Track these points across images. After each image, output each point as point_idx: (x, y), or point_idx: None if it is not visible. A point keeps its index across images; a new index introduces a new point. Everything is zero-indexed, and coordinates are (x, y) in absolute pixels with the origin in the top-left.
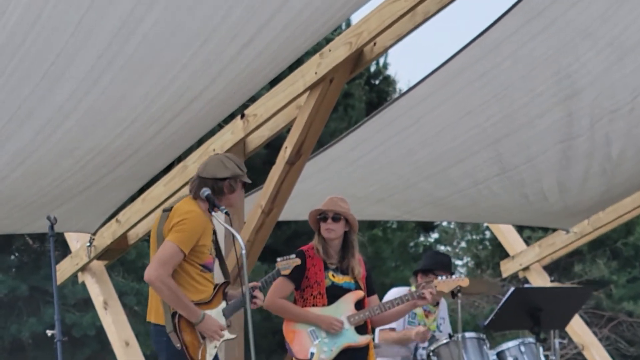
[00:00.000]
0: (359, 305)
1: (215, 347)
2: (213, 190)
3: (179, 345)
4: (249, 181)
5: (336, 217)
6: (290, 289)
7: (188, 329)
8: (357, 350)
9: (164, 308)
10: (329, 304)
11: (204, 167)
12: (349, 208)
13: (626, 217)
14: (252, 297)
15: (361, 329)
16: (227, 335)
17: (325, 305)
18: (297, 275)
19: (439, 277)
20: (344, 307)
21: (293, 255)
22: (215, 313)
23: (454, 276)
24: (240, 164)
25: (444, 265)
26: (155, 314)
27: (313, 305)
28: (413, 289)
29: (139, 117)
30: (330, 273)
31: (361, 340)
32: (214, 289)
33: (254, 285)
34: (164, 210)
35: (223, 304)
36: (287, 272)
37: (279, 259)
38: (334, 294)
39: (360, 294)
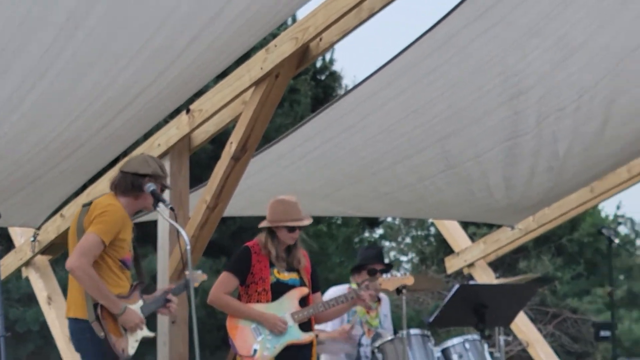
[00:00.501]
0: (303, 302)
1: (137, 340)
2: (132, 186)
3: (102, 333)
4: (168, 185)
5: (296, 227)
6: (235, 284)
7: (110, 320)
8: (300, 347)
9: (85, 299)
10: (273, 300)
11: (127, 162)
12: None
13: (571, 213)
14: (167, 300)
15: (305, 326)
16: (146, 332)
17: (269, 302)
18: (243, 271)
19: (384, 275)
20: (288, 304)
21: (200, 271)
22: (135, 308)
23: (398, 274)
24: (162, 167)
25: (374, 258)
26: (74, 308)
27: (257, 302)
28: (354, 286)
29: (85, 111)
30: (276, 270)
31: (305, 337)
32: (131, 287)
33: (168, 289)
34: (84, 205)
35: (140, 302)
36: (196, 284)
37: (186, 272)
38: (279, 290)
39: (304, 290)
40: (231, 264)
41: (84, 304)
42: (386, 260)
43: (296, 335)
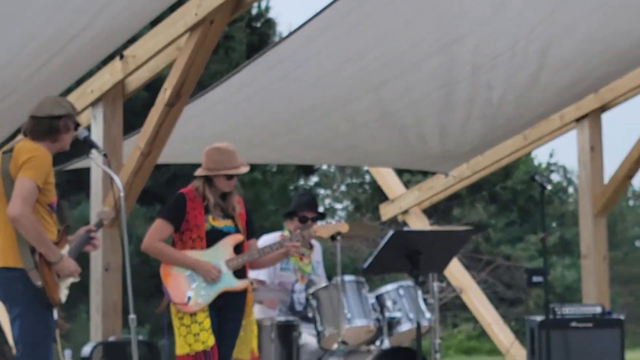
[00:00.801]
0: (238, 249)
1: (67, 287)
2: (50, 129)
3: (40, 283)
4: (81, 123)
5: (233, 175)
6: (169, 231)
7: (46, 269)
8: (234, 294)
9: (20, 248)
10: (207, 247)
11: (38, 107)
12: None
13: (504, 161)
14: (90, 238)
15: (239, 273)
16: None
17: (204, 249)
18: (177, 218)
19: (319, 222)
20: (223, 251)
21: (108, 209)
22: (65, 253)
23: (333, 221)
24: (73, 104)
25: (306, 205)
26: (4, 257)
27: (192, 249)
28: (286, 233)
29: (15, 57)
30: (210, 217)
31: (239, 284)
32: (58, 232)
33: (88, 228)
34: (4, 153)
35: (67, 247)
36: (106, 222)
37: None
38: (214, 237)
39: (239, 237)
40: (165, 211)
41: (16, 253)
42: (320, 209)
43: (230, 283)
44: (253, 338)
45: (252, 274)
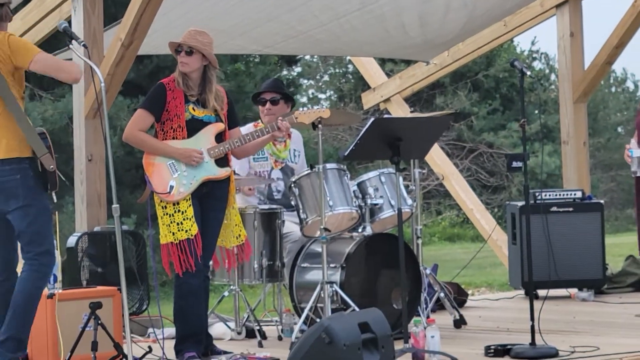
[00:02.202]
0: (220, 138)
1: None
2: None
3: (52, 166)
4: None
5: (189, 51)
6: (150, 121)
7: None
8: (217, 183)
9: (28, 137)
10: (189, 137)
11: None
12: (210, 42)
13: (485, 48)
14: None
15: (222, 162)
16: None
17: (185, 139)
18: (157, 108)
19: (301, 109)
20: (204, 140)
21: None
22: None
23: (315, 107)
24: None
25: (272, 86)
26: (6, 149)
27: (173, 139)
28: (260, 123)
29: None
30: (191, 106)
31: (221, 172)
32: None
33: None
34: None
35: None
36: None
37: None
38: (194, 127)
39: (220, 126)
40: (146, 101)
41: (19, 144)
42: (285, 90)
43: (212, 171)
44: (240, 225)
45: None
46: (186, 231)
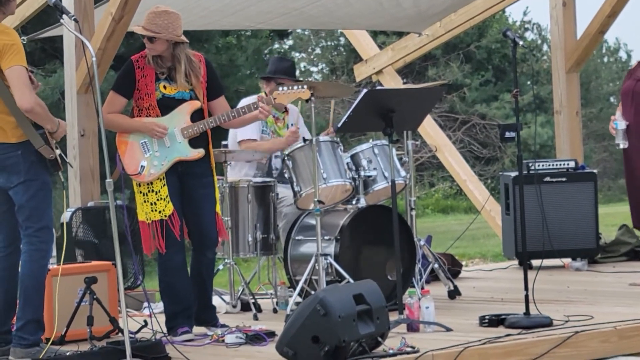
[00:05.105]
0: (197, 116)
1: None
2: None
3: (52, 155)
4: None
5: (151, 38)
6: (121, 102)
7: (50, 139)
8: (190, 163)
9: (23, 129)
10: (163, 115)
11: None
12: (172, 22)
13: (477, 18)
14: None
15: (197, 142)
16: None
17: (159, 117)
18: (126, 87)
19: (280, 89)
20: (179, 119)
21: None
22: None
23: (295, 88)
24: None
25: (285, 71)
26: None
27: (147, 117)
28: (263, 94)
29: None
30: (162, 84)
31: (193, 154)
32: None
33: None
34: None
35: None
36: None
37: None
38: (167, 105)
39: (196, 104)
40: (115, 82)
41: (14, 130)
42: (298, 75)
43: (185, 152)
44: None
45: (241, 132)
46: (160, 212)
